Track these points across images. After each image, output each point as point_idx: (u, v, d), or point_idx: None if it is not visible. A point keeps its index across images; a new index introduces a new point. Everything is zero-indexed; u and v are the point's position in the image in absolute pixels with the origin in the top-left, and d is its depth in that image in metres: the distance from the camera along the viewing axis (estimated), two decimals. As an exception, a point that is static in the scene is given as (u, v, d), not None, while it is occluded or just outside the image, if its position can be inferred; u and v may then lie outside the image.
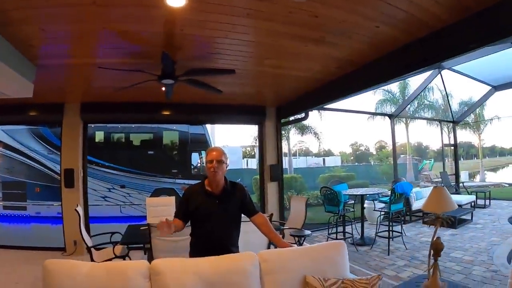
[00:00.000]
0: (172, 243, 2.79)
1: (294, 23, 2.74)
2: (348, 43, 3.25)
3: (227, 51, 3.25)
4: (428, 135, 40.90)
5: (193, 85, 3.67)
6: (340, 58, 3.69)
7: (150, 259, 2.85)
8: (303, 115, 6.55)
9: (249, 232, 2.60)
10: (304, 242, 4.34)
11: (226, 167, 2.35)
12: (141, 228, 4.09)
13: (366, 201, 6.35)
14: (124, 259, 3.73)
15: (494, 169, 27.48)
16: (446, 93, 8.97)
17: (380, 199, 6.63)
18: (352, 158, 38.83)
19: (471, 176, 20.92)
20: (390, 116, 8.91)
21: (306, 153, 30.84)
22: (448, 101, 9.60)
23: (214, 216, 2.26)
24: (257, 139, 6.89)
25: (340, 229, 5.88)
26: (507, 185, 11.94)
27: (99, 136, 10.71)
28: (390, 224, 5.28)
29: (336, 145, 48.39)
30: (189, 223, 2.36)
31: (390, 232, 5.25)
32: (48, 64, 3.54)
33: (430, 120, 16.18)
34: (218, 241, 2.27)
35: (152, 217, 4.81)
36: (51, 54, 3.30)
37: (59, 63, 3.61)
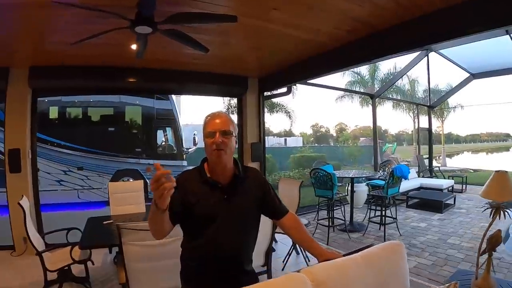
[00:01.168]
0: (152, 249, 2.03)
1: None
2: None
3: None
4: (390, 119, 42.56)
5: (175, 38, 2.85)
6: (358, 19, 3.08)
7: (121, 267, 2.10)
8: (285, 89, 5.95)
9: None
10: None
11: (236, 143, 1.61)
12: (104, 223, 3.27)
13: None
14: (85, 265, 2.95)
15: (450, 155, 29.18)
16: (428, 76, 8.79)
17: (375, 182, 6.30)
18: (312, 139, 39.72)
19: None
20: (372, 96, 8.59)
21: (267, 133, 30.78)
22: (429, 86, 9.50)
23: (221, 220, 1.47)
24: (237, 114, 6.13)
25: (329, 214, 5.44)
26: (472, 171, 12.41)
27: (54, 112, 9.43)
28: (384, 209, 4.92)
29: (297, 126, 49.18)
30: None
31: (384, 217, 4.90)
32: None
33: (409, 103, 16.40)
34: (227, 257, 1.50)
35: (118, 206, 4.02)
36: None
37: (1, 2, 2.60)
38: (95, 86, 5.17)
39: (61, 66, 4.40)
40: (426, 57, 8.04)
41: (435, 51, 7.47)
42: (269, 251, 2.72)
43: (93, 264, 3.16)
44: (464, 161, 28.92)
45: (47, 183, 8.71)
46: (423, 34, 3.08)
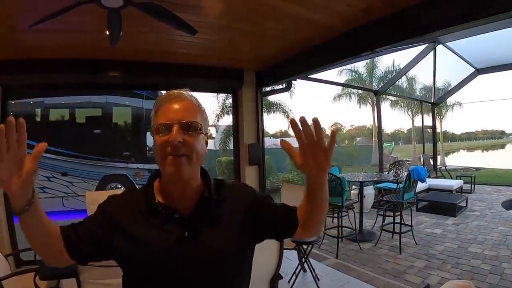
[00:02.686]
0: None
1: None
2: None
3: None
4: (385, 118, 42.11)
5: (154, 16, 2.32)
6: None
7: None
8: (284, 85, 5.41)
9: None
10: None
11: (206, 143, 0.97)
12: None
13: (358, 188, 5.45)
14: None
15: (446, 154, 28.96)
16: (434, 71, 8.32)
17: (386, 185, 5.79)
18: (307, 140, 39.40)
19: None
20: (376, 93, 8.13)
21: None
22: (434, 81, 9.05)
23: (183, 272, 0.87)
24: (232, 111, 5.59)
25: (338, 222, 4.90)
26: (474, 169, 12.03)
27: (37, 114, 8.84)
28: (400, 215, 4.41)
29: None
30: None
31: (400, 225, 4.39)
32: None
33: (412, 100, 16.08)
34: None
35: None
36: None
37: None
38: (72, 80, 4.58)
39: (36, 59, 3.83)
40: (432, 51, 7.60)
41: (442, 44, 7.04)
42: (276, 278, 2.19)
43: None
44: (460, 159, 28.73)
45: (29, 190, 8.14)
46: (448, 14, 2.59)
